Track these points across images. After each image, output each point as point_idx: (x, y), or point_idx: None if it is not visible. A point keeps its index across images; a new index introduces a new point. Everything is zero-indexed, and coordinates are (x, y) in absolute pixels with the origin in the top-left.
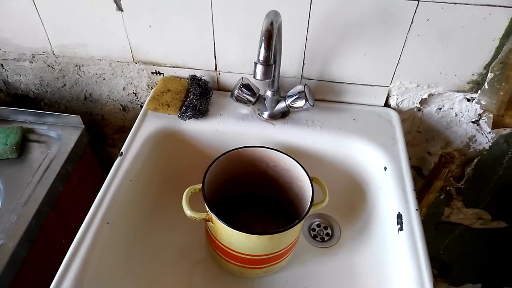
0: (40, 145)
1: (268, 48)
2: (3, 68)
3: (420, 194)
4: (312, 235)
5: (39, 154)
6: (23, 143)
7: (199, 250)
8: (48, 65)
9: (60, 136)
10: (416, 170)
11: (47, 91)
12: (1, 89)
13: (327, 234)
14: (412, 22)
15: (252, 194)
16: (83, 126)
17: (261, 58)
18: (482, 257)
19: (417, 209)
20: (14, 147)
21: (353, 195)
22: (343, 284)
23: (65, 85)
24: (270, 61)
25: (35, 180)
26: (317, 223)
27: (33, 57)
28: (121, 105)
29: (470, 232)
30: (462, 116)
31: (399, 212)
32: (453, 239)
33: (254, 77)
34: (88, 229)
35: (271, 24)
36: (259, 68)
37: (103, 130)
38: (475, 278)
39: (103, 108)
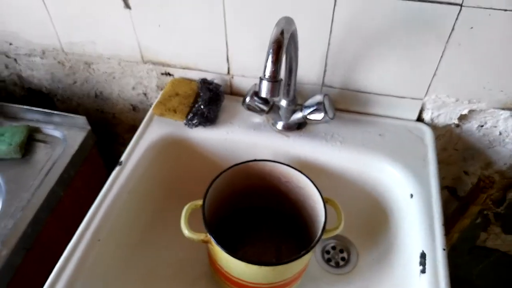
0: (45, 146)
1: (276, 61)
2: (16, 63)
3: (453, 218)
4: (326, 258)
5: (43, 155)
6: (29, 143)
7: (199, 267)
8: (58, 62)
9: (65, 137)
10: (450, 191)
11: (59, 87)
12: (16, 83)
13: (343, 259)
14: (452, 30)
15: (261, 208)
16: (89, 127)
17: (267, 73)
18: None
19: (444, 249)
20: (19, 147)
21: (374, 219)
22: None
23: (76, 82)
24: (278, 77)
25: (36, 183)
26: (332, 245)
27: (43, 53)
28: (131, 104)
29: (508, 259)
30: (507, 136)
31: (422, 251)
32: (488, 265)
33: (260, 94)
34: (76, 248)
35: (281, 33)
36: (265, 84)
37: (114, 129)
38: None
39: (114, 107)
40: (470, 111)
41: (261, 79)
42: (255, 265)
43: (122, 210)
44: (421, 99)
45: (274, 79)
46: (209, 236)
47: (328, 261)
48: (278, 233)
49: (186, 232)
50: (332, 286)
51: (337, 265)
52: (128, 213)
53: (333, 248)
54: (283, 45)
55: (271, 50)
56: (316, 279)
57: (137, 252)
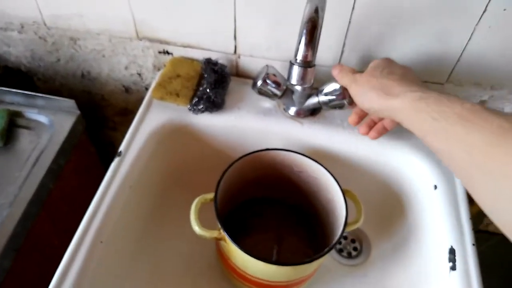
0: (29, 133)
1: (310, 43)
2: None
3: None
4: (338, 248)
5: (27, 143)
6: (10, 129)
7: (208, 262)
8: (40, 37)
9: (52, 123)
10: None
11: (40, 66)
12: None
13: (355, 249)
14: (484, 11)
15: (272, 198)
16: (79, 112)
17: (299, 57)
18: None
19: (473, 244)
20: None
21: (389, 210)
22: None
23: (59, 60)
24: (312, 62)
25: (22, 175)
26: (344, 234)
27: (22, 27)
28: (124, 85)
29: (507, 242)
30: None
31: (451, 247)
32: (488, 248)
33: (289, 80)
34: (77, 252)
35: (316, 11)
36: (297, 70)
37: (103, 111)
38: (505, 286)
39: (103, 88)
40: (490, 97)
41: (291, 64)
42: (274, 265)
43: (124, 206)
44: (442, 83)
45: (307, 64)
46: (223, 233)
47: (340, 251)
48: (288, 225)
49: (197, 229)
50: (345, 279)
51: (349, 256)
52: (130, 209)
53: (345, 238)
54: (318, 25)
55: (304, 31)
56: (329, 271)
57: (140, 249)
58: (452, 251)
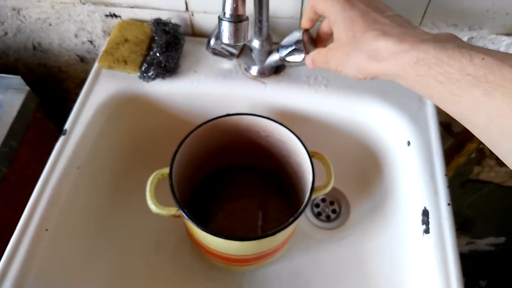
0: None
1: None
2: None
3: (448, 156)
4: (316, 212)
5: None
6: None
7: (179, 238)
8: None
9: (0, 103)
10: (444, 127)
11: None
12: None
13: (334, 211)
14: None
15: (241, 166)
16: (28, 88)
17: (227, 10)
18: (510, 213)
19: (449, 204)
20: None
21: (366, 169)
22: (351, 276)
23: (6, 33)
24: (244, 15)
25: None
26: (321, 197)
27: None
28: (78, 55)
29: (500, 190)
30: None
31: (425, 208)
32: (480, 197)
33: (220, 39)
34: (20, 243)
35: None
36: (226, 27)
37: (63, 84)
38: (499, 232)
39: (57, 59)
40: (470, 39)
41: (220, 20)
42: (235, 241)
43: (73, 189)
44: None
45: (237, 18)
46: (180, 211)
47: (318, 215)
48: (261, 191)
49: (153, 207)
50: (324, 243)
51: (328, 219)
52: (81, 192)
53: (323, 200)
54: None
55: None
56: (306, 236)
57: (102, 233)
58: (425, 213)
